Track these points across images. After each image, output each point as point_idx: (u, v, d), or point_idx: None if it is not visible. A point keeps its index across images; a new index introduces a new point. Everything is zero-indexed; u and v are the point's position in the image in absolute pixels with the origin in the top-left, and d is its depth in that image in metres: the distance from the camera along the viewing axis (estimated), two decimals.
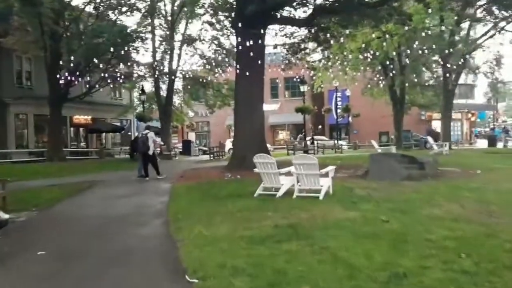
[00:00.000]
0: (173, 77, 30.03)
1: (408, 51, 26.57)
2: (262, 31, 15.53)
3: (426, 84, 33.11)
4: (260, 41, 15.08)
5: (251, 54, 15.05)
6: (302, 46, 17.76)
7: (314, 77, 32.50)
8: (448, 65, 27.29)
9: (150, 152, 14.05)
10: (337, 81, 33.36)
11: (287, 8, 16.11)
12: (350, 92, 42.40)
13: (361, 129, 47.47)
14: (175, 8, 30.18)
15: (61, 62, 22.47)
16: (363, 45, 22.35)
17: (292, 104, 38.47)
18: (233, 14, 16.97)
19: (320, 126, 52.66)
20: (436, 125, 50.00)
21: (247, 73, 14.92)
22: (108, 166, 20.73)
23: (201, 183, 11.80)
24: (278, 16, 15.86)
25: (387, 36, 20.46)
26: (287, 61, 19.63)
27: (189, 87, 30.93)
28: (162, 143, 20.91)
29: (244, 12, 14.31)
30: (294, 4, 15.31)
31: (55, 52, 21.89)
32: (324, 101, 49.68)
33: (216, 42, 30.46)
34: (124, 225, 6.98)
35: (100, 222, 7.04)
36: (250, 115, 15.50)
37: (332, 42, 17.25)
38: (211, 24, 27.76)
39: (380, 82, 33.01)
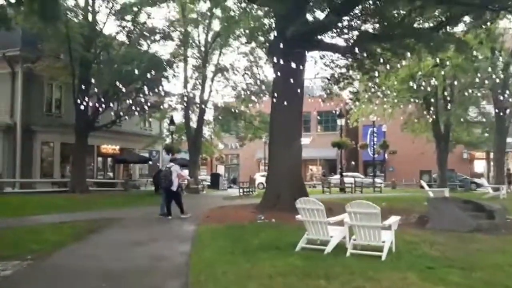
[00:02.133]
0: (204, 108, 28.95)
1: (455, 83, 24.61)
2: (302, 58, 14.10)
3: (474, 120, 30.70)
4: (300, 67, 13.60)
5: (290, 82, 13.59)
6: (346, 74, 16.18)
7: (350, 111, 30.84)
8: (501, 98, 25.02)
9: (174, 188, 12.53)
10: (375, 115, 31.48)
11: (329, 33, 14.65)
12: (386, 128, 40.44)
13: (398, 166, 45.07)
14: (209, 38, 29.51)
15: (89, 90, 21.65)
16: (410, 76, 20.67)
17: (325, 138, 36.74)
18: (271, 39, 15.63)
19: (353, 162, 50.49)
20: (480, 165, 47.18)
21: (285, 103, 13.38)
22: (130, 200, 19.36)
23: (230, 227, 10.11)
24: (319, 41, 14.38)
25: (445, 64, 18.64)
26: (328, 92, 18.04)
27: (220, 117, 29.69)
28: (189, 177, 19.49)
29: (284, 35, 12.92)
30: (339, 28, 13.81)
31: (84, 79, 21.10)
32: (358, 136, 47.78)
33: (249, 72, 29.51)
34: None
35: (98, 285, 5.41)
36: (286, 149, 13.87)
37: (377, 71, 15.58)
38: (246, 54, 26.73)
39: (422, 117, 30.93)
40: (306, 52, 14.55)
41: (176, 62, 26.51)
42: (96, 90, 21.99)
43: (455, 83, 24.73)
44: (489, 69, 22.09)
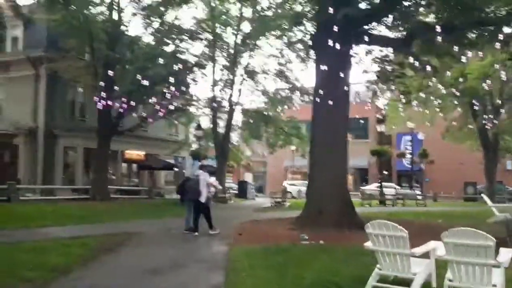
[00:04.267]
0: (232, 112, 27.42)
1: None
2: (348, 52, 12.32)
3: None
4: (347, 63, 11.83)
5: (335, 79, 11.84)
6: (398, 71, 14.23)
7: (385, 117, 28.79)
8: None
9: (203, 200, 10.87)
10: (413, 121, 29.28)
11: (380, 24, 12.80)
12: (423, 136, 38.09)
13: (434, 177, 42.34)
14: (238, 40, 28.05)
15: (113, 91, 20.37)
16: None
17: (356, 146, 34.57)
18: (311, 32, 13.85)
19: (386, 172, 48.05)
20: None
21: (330, 102, 11.59)
22: (153, 210, 17.84)
23: (269, 249, 8.32)
24: (368, 33, 12.55)
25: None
26: (377, 91, 16.13)
27: (251, 120, 28.01)
28: (220, 186, 17.85)
29: (329, 25, 11.17)
30: (394, 17, 11.92)
31: (107, 79, 19.82)
32: (391, 145, 45.37)
33: (280, 75, 27.85)
34: None
35: None
36: (331, 157, 12.05)
37: (435, 68, 13.57)
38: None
39: (466, 124, 28.61)
40: (353, 46, 12.74)
41: (204, 64, 25.02)
42: (119, 91, 20.65)
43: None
44: None
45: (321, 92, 11.96)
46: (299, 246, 8.70)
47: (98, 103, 18.87)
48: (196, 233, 10.71)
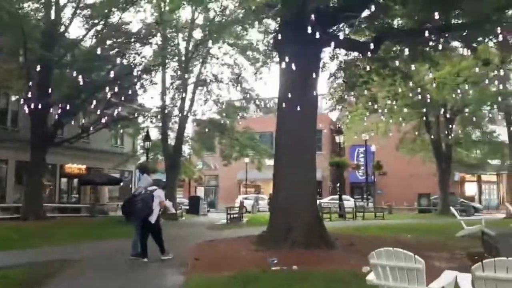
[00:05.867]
0: (184, 121, 25.85)
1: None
2: (316, 54, 11.31)
3: (479, 140, 28.56)
4: (314, 65, 10.80)
5: (301, 82, 10.76)
6: (366, 77, 13.33)
7: (341, 127, 28.30)
8: None
9: (153, 219, 9.26)
10: (368, 133, 29.08)
11: (347, 27, 11.91)
12: (375, 148, 38.27)
13: (387, 189, 42.55)
14: (190, 47, 26.65)
15: (49, 97, 18.24)
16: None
17: None
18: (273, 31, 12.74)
19: (338, 184, 47.89)
20: (471, 188, 45.31)
21: (298, 108, 10.44)
22: (95, 230, 15.81)
23: (235, 279, 6.87)
24: (335, 36, 11.61)
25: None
26: (338, 98, 15.20)
27: (207, 130, 26.45)
28: (173, 210, 16.22)
29: (292, 24, 10.13)
30: (360, 20, 11.04)
31: (42, 84, 17.68)
32: (344, 157, 45.28)
33: (234, 84, 26.69)
34: None
35: None
36: (298, 169, 10.86)
37: (402, 74, 12.87)
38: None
39: (420, 135, 28.75)
40: (320, 48, 11.75)
41: (152, 69, 23.30)
42: (56, 97, 18.55)
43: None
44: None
45: (287, 97, 10.79)
46: (270, 274, 7.33)
47: (28, 109, 16.67)
48: (146, 259, 9.07)
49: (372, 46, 11.23)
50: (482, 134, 28.03)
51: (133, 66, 21.73)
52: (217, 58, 26.87)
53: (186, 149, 29.79)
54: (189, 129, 29.78)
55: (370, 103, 16.39)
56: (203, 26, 25.69)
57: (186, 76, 26.14)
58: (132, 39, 22.02)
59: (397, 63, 12.38)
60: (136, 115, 25.53)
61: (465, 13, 10.33)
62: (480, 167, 33.45)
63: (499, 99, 21.56)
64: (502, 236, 8.89)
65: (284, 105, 10.95)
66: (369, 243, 11.05)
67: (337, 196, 30.29)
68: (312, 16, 9.11)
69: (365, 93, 14.68)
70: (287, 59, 10.65)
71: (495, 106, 23.27)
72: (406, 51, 11.64)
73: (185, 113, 26.34)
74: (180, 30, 25.89)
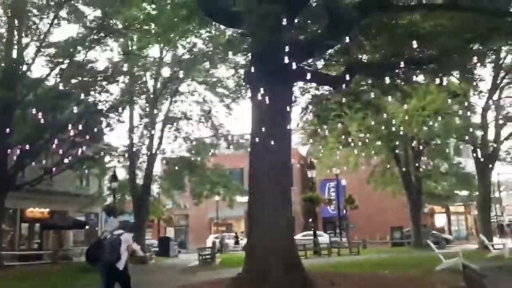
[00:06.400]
0: (153, 160, 25.20)
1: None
2: (288, 88, 11.17)
3: (446, 172, 29.03)
4: (287, 98, 10.65)
5: (275, 115, 10.54)
6: (339, 111, 13.26)
7: (313, 162, 28.25)
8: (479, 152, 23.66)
9: (121, 266, 8.55)
10: (339, 167, 29.20)
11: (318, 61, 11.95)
12: (346, 182, 38.57)
13: (359, 223, 42.45)
14: (159, 84, 26.41)
15: (8, 138, 17.36)
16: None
17: None
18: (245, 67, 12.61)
19: (310, 220, 47.50)
20: (441, 219, 45.88)
21: (272, 142, 10.15)
22: (58, 280, 14.69)
23: None
24: (306, 70, 11.57)
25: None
26: (311, 133, 15.07)
27: (176, 168, 25.82)
28: (142, 253, 15.37)
29: (263, 59, 10.03)
30: (331, 54, 11.07)
31: (2, 124, 16.84)
32: (315, 192, 45.19)
33: (204, 121, 26.45)
34: None
35: None
36: (273, 204, 10.45)
37: (374, 107, 12.92)
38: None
39: (389, 168, 29.01)
40: (292, 82, 11.64)
41: (120, 108, 22.75)
42: (17, 138, 17.67)
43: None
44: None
45: (260, 132, 10.50)
46: None
47: None
48: None
49: (343, 79, 11.23)
50: (450, 166, 28.55)
51: (99, 104, 21.14)
52: (187, 97, 26.79)
53: (155, 188, 28.95)
54: (158, 168, 29.07)
55: (343, 137, 16.35)
56: (171, 64, 25.71)
57: (155, 113, 25.75)
58: (99, 77, 21.53)
59: (369, 96, 12.41)
60: (102, 154, 24.68)
61: (434, 47, 10.50)
62: (449, 199, 33.97)
63: (467, 130, 22.11)
64: (488, 271, 8.67)
65: (257, 140, 10.64)
66: (349, 282, 10.64)
67: (310, 232, 29.84)
68: (286, 49, 8.98)
69: (338, 127, 14.66)
70: (259, 93, 10.45)
71: (465, 138, 23.80)
72: (378, 84, 11.68)
73: (153, 151, 25.76)
74: (148, 68, 25.70)
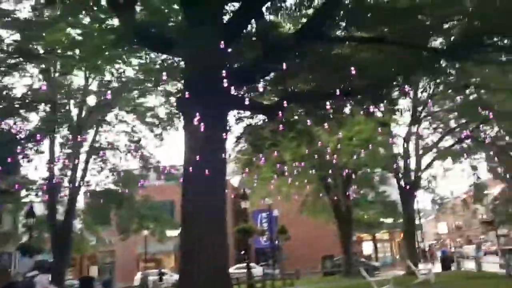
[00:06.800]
0: (76, 193, 23.52)
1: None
2: (222, 116, 10.90)
3: (373, 200, 30.14)
4: (221, 127, 10.35)
5: (209, 144, 10.15)
6: (274, 140, 13.18)
7: (246, 192, 28.05)
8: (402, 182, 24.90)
9: None
10: (273, 198, 29.30)
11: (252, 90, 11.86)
12: (278, 212, 38.85)
13: (291, 253, 42.56)
14: (84, 113, 25.01)
15: None
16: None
17: None
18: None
19: (243, 252, 46.81)
20: (368, 247, 47.38)
21: (206, 172, 9.71)
22: None
23: None
24: (240, 98, 11.44)
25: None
26: (245, 162, 14.79)
27: (102, 201, 24.23)
28: None
29: (196, 87, 9.75)
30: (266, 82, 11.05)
31: None
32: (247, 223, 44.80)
33: (132, 151, 25.32)
34: None
35: None
36: (208, 238, 9.91)
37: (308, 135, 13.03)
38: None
39: (320, 198, 29.50)
40: (226, 111, 11.40)
41: (39, 138, 21.13)
42: None
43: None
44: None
45: (194, 161, 10.02)
46: None
47: None
48: None
49: (278, 108, 11.20)
50: (376, 195, 29.65)
51: (15, 133, 19.49)
52: (114, 126, 25.59)
53: (77, 224, 26.97)
54: (82, 202, 27.24)
55: (278, 166, 16.31)
56: (98, 92, 24.56)
57: (79, 143, 24.24)
58: (16, 105, 19.94)
59: (303, 125, 12.50)
60: (17, 188, 22.62)
61: (364, 78, 10.83)
62: (375, 226, 35.18)
63: (391, 160, 23.17)
64: None
65: (190, 169, 10.14)
66: None
67: (243, 265, 29.22)
68: (221, 75, 8.75)
69: (273, 156, 14.58)
70: (193, 121, 10.05)
71: (391, 167, 24.89)
72: (312, 113, 11.81)
73: (76, 184, 24.08)
74: (72, 96, 24.35)
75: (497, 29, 10.60)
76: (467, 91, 19.88)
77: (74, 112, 24.90)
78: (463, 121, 24.57)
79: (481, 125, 23.18)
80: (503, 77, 17.34)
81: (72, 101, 24.72)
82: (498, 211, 39.84)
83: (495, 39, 11.36)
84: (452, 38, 11.88)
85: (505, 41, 11.55)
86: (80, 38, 14.45)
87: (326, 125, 12.67)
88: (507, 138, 26.05)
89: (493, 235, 50.83)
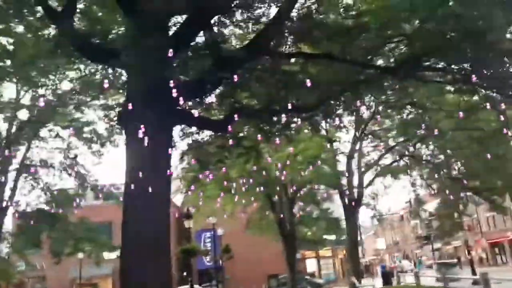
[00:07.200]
0: (3, 214, 21.69)
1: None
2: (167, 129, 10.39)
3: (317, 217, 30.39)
4: (166, 141, 9.84)
5: (153, 160, 9.57)
6: (222, 155, 12.75)
7: (190, 211, 27.25)
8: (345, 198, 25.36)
9: None
10: (217, 216, 28.71)
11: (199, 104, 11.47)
12: (222, 231, 38.15)
13: (235, 273, 41.79)
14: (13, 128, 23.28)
15: None
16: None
17: None
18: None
19: (185, 273, 45.37)
20: (312, 264, 47.71)
21: (150, 189, 9.11)
22: None
23: None
24: (188, 113, 11.02)
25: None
26: (191, 179, 14.20)
27: (32, 223, 22.41)
28: None
29: (139, 97, 9.23)
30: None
31: None
32: (189, 243, 43.54)
33: (68, 169, 23.86)
34: None
35: None
36: (151, 260, 9.24)
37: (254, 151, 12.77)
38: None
39: (265, 216, 29.29)
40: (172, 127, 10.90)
41: None
42: None
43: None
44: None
45: (136, 179, 9.38)
46: None
47: None
48: None
49: (226, 123, 10.89)
50: (320, 212, 29.95)
51: None
52: (48, 142, 24.03)
53: (3, 248, 24.86)
54: (9, 224, 25.15)
55: (225, 183, 15.89)
56: (30, 106, 23.03)
57: (7, 160, 22.46)
58: None
59: (251, 141, 12.26)
60: None
61: (313, 95, 10.83)
62: (319, 243, 35.48)
63: (335, 177, 23.54)
64: None
65: (132, 187, 9.47)
66: None
67: (186, 286, 28.20)
68: (167, 88, 8.31)
69: (220, 172, 14.17)
70: (135, 136, 9.45)
71: (336, 184, 25.27)
72: (260, 128, 11.61)
73: (4, 204, 22.22)
74: (1, 110, 22.65)
75: (433, 52, 11.12)
76: (406, 110, 20.69)
77: (4, 127, 23.16)
78: (401, 139, 25.55)
79: (418, 143, 24.20)
80: (438, 97, 18.27)
81: (1, 115, 22.96)
82: (433, 226, 41.74)
83: (432, 60, 11.91)
84: (393, 58, 12.29)
85: (441, 64, 12.12)
86: (11, 47, 13.47)
87: (277, 140, 12.47)
88: (441, 156, 27.42)
89: (428, 250, 53.11)
